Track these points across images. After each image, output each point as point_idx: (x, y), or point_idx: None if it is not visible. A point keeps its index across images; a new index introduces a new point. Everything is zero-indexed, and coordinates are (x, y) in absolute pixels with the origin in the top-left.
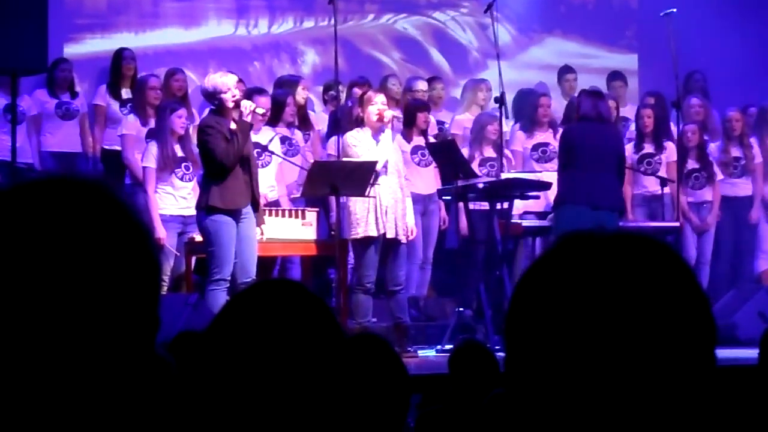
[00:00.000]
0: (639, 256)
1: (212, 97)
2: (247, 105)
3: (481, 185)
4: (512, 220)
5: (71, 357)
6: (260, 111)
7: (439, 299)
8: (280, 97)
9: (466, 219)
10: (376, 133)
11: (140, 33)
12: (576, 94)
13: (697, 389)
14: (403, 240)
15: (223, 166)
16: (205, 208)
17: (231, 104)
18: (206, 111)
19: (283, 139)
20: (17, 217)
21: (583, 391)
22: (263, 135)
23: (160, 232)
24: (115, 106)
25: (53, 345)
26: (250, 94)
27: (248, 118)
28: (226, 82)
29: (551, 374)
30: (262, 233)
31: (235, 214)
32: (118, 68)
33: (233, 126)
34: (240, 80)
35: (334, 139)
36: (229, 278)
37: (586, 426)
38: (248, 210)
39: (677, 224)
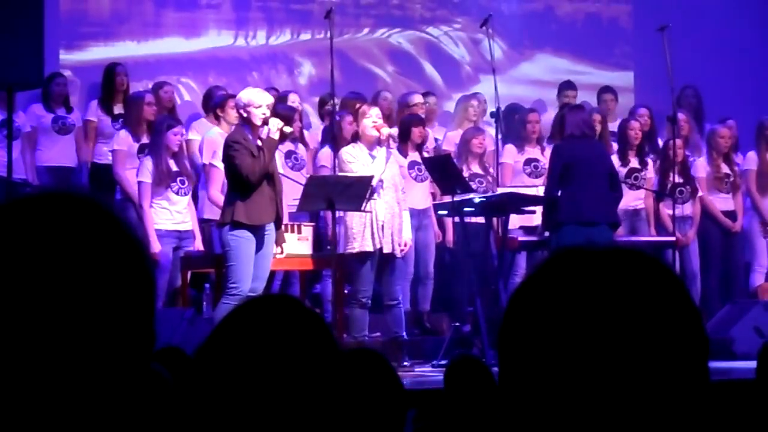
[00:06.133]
0: (631, 270)
1: (243, 108)
2: (275, 123)
3: (477, 200)
4: (508, 235)
5: (66, 372)
6: (288, 129)
7: (436, 314)
8: (285, 112)
9: (456, 233)
10: (372, 148)
11: (142, 42)
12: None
13: (691, 403)
14: (399, 254)
15: (249, 182)
16: (230, 223)
17: (259, 121)
18: (196, 122)
19: (288, 154)
20: (12, 232)
21: (577, 405)
22: None
23: (155, 246)
24: (107, 121)
25: (48, 360)
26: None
27: (275, 136)
28: (261, 99)
29: (544, 389)
30: (282, 251)
31: (258, 230)
32: (110, 83)
33: (260, 142)
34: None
35: (327, 151)
36: (247, 294)
37: None
38: (270, 226)
39: (673, 239)
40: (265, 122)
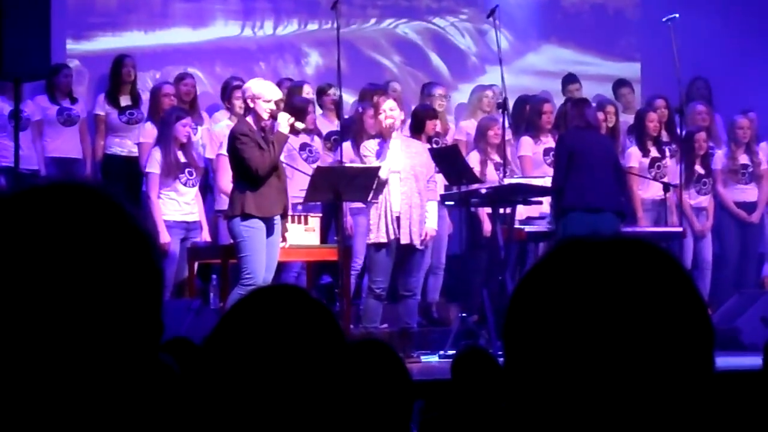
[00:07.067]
0: (635, 260)
1: (251, 99)
2: (284, 117)
3: (484, 190)
4: (515, 226)
5: (74, 362)
6: (300, 126)
7: (444, 304)
8: (301, 105)
9: (463, 224)
10: (388, 140)
11: (149, 32)
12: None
13: (695, 394)
14: (418, 245)
15: (258, 175)
16: (241, 215)
17: (266, 115)
18: (216, 115)
19: (303, 146)
20: (20, 223)
21: (582, 396)
22: None
23: (164, 237)
24: (114, 113)
25: (57, 350)
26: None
27: (285, 130)
28: (271, 93)
29: (549, 379)
30: (284, 240)
31: (268, 221)
32: (117, 75)
33: (264, 133)
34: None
35: (347, 145)
36: (261, 284)
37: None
38: (277, 216)
39: (680, 229)
40: (273, 116)
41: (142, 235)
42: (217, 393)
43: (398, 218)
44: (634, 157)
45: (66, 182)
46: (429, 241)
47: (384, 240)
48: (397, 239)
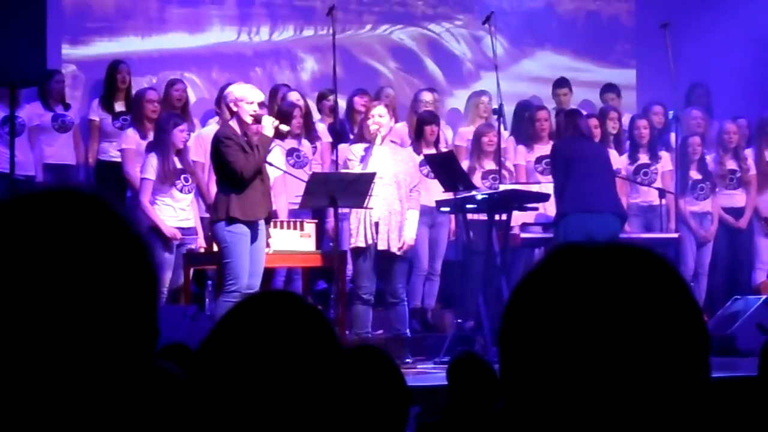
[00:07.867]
0: (630, 266)
1: (234, 102)
2: (269, 120)
3: (479, 197)
4: (511, 232)
5: (70, 368)
6: (284, 128)
7: (439, 311)
8: (287, 109)
9: (465, 230)
10: (373, 145)
11: (146, 37)
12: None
13: (692, 400)
14: (395, 252)
15: (243, 178)
16: (225, 219)
17: (249, 118)
18: (211, 121)
19: (291, 151)
20: (16, 229)
21: (577, 403)
22: None
23: (168, 230)
24: (107, 119)
25: (52, 355)
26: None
27: (270, 133)
28: (252, 96)
29: (545, 385)
30: (268, 245)
31: (253, 226)
32: (112, 81)
33: (247, 136)
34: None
35: (340, 147)
36: (245, 290)
37: None
38: (262, 222)
39: (676, 235)
40: (257, 119)
41: (138, 240)
42: (213, 399)
43: (377, 224)
44: (618, 163)
45: (61, 188)
46: (406, 248)
47: (363, 245)
48: (376, 244)
